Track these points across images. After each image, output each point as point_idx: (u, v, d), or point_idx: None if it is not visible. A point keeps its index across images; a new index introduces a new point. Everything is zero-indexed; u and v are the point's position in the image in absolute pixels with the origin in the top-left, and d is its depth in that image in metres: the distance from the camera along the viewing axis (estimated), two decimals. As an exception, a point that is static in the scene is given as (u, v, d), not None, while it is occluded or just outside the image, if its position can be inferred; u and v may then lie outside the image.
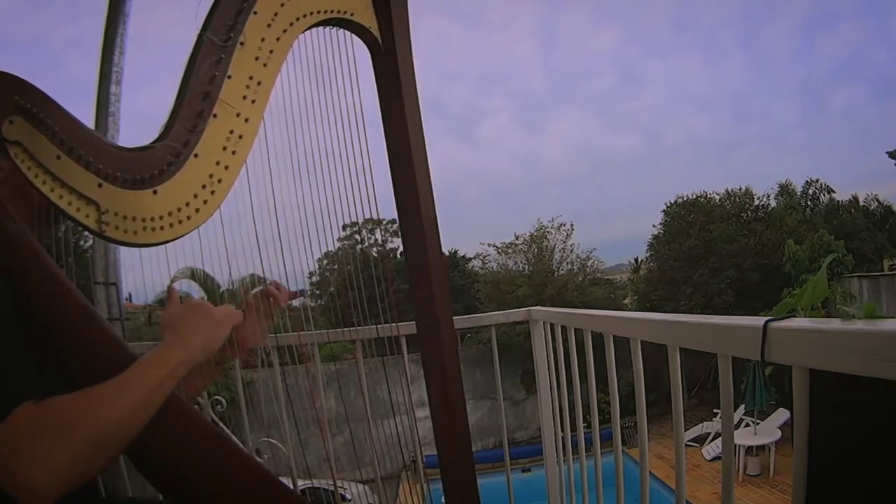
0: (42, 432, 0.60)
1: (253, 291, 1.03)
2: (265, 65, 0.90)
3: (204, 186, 0.84)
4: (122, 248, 0.85)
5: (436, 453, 1.12)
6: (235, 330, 0.89)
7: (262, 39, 0.90)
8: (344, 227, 1.12)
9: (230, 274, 1.07)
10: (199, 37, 0.84)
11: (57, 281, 0.74)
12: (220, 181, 0.85)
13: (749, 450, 8.86)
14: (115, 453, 0.67)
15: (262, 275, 1.12)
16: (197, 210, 0.83)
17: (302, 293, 1.07)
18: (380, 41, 1.06)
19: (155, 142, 0.81)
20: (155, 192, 0.80)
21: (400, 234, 1.10)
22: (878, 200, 15.49)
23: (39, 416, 0.61)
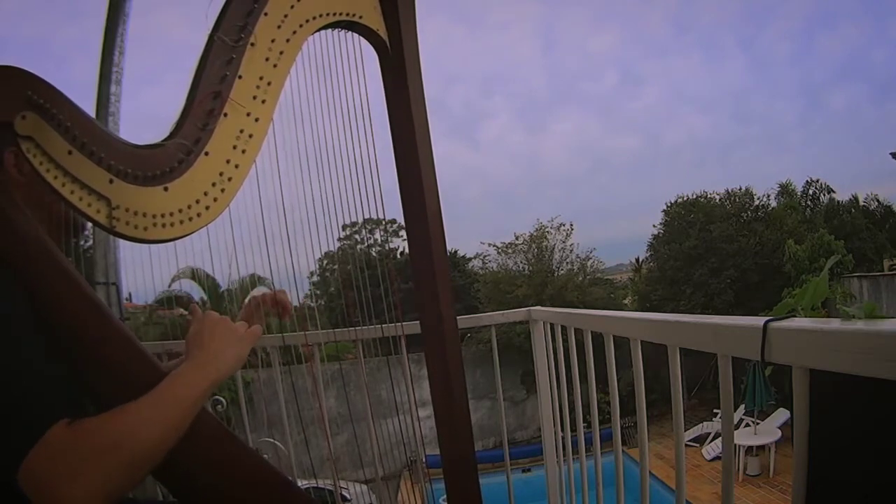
0: (78, 454, 0.60)
1: (262, 292, 1.04)
2: (275, 65, 0.90)
3: (214, 184, 0.84)
4: (123, 248, 0.86)
5: (436, 453, 1.13)
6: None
7: (273, 40, 0.90)
8: (343, 228, 1.12)
9: (230, 274, 1.08)
10: (211, 37, 0.84)
11: (67, 277, 0.74)
12: (230, 179, 0.85)
13: (749, 450, 8.86)
14: (148, 471, 0.67)
15: (262, 275, 1.13)
16: (207, 207, 0.83)
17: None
18: (387, 43, 1.06)
19: (166, 139, 0.81)
20: (166, 188, 0.80)
21: (402, 232, 1.11)
22: (878, 200, 15.50)
23: (75, 437, 0.61)
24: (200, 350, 0.77)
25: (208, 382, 0.74)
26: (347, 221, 1.06)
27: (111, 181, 0.76)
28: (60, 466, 0.59)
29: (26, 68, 0.73)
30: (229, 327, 0.82)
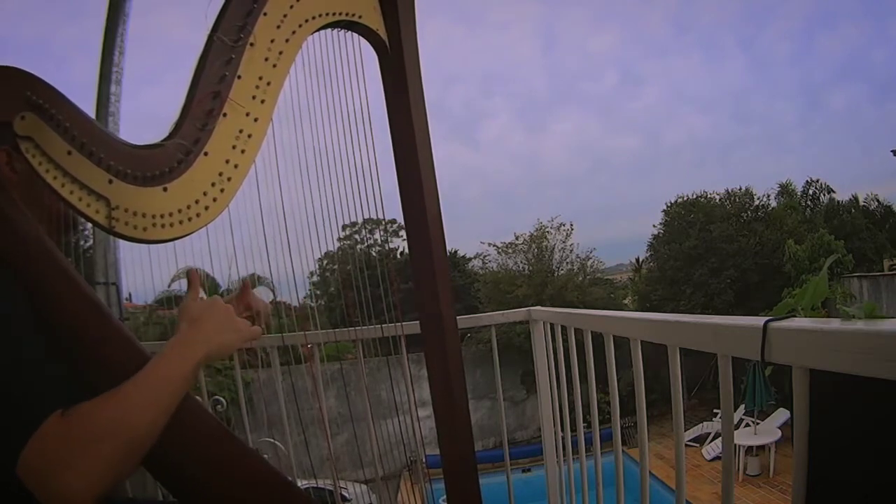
0: (74, 443, 0.60)
1: (255, 292, 1.03)
2: (274, 65, 0.90)
3: (213, 184, 0.84)
4: (123, 248, 0.86)
5: (436, 453, 1.13)
6: None
7: (272, 40, 0.90)
8: (343, 227, 1.12)
9: (230, 274, 1.07)
10: (210, 37, 0.84)
11: (66, 276, 0.74)
12: (229, 179, 0.85)
13: (749, 450, 8.86)
14: (143, 454, 0.67)
15: (262, 275, 1.12)
16: (206, 208, 0.83)
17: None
18: (387, 43, 1.06)
19: (165, 139, 0.81)
20: (165, 189, 0.80)
21: (405, 233, 1.11)
22: (878, 200, 15.52)
23: (69, 426, 0.61)
24: (191, 326, 0.77)
25: (198, 358, 0.74)
26: (347, 221, 1.06)
27: (110, 181, 0.76)
28: (55, 456, 0.59)
29: (26, 68, 0.73)
30: (230, 316, 0.81)
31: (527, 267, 14.32)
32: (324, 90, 0.98)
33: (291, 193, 0.97)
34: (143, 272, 0.86)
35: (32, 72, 0.73)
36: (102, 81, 3.35)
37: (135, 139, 0.82)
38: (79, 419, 0.61)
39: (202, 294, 0.88)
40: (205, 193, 0.83)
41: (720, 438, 3.43)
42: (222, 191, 0.85)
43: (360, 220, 1.07)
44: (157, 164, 0.79)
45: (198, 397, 1.55)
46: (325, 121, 0.99)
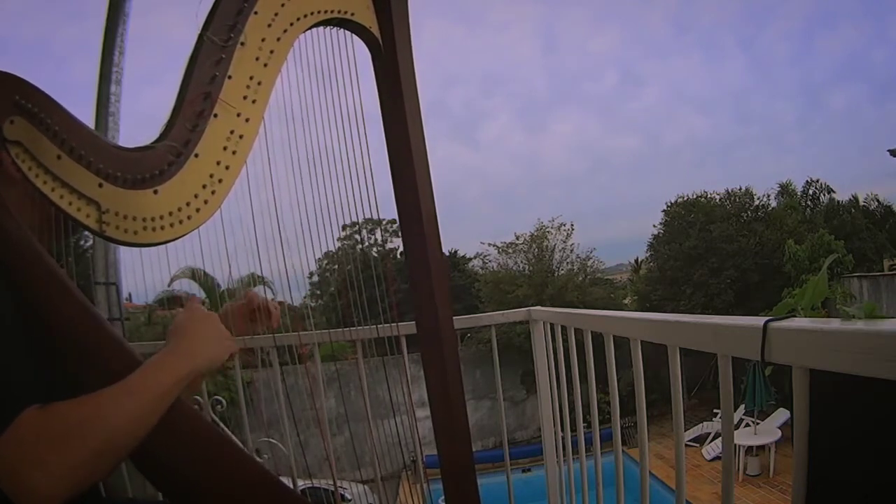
0: (47, 439, 0.59)
1: (261, 296, 1.04)
2: (265, 65, 0.90)
3: (204, 186, 0.84)
4: (123, 248, 0.85)
5: (436, 453, 1.12)
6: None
7: (263, 39, 0.89)
8: (344, 228, 1.12)
9: (230, 274, 1.07)
10: (200, 37, 0.84)
11: (58, 281, 0.73)
12: (220, 181, 0.85)
13: (749, 450, 8.86)
14: (119, 459, 0.67)
15: (262, 275, 1.12)
16: (198, 210, 0.83)
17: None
18: (380, 41, 1.06)
19: (156, 142, 0.81)
20: (155, 191, 0.80)
21: (400, 233, 1.10)
22: (878, 200, 15.51)
23: (44, 422, 0.60)
24: (180, 339, 0.77)
25: (183, 371, 0.73)
26: (347, 221, 1.06)
27: (101, 185, 0.76)
28: (28, 452, 0.58)
29: (26, 68, 0.73)
30: (215, 325, 0.81)
31: (527, 267, 14.33)
32: (321, 89, 0.98)
33: (290, 193, 0.97)
34: (143, 272, 0.86)
35: (33, 72, 0.73)
36: (102, 81, 3.35)
37: (135, 139, 0.82)
38: (55, 414, 0.61)
39: (202, 295, 0.88)
40: (196, 196, 0.83)
41: (720, 438, 3.43)
42: (213, 193, 0.84)
43: (360, 220, 1.07)
44: (147, 167, 0.79)
45: (197, 397, 1.55)
46: (325, 120, 0.99)
